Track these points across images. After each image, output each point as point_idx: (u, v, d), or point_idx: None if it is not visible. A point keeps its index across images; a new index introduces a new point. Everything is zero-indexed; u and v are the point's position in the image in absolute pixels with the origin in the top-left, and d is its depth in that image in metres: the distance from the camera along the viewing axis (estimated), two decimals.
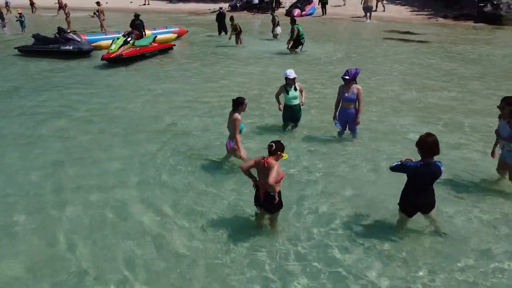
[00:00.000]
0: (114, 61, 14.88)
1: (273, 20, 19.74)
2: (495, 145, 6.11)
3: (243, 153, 6.51)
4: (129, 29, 17.13)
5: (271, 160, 4.76)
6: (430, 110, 9.80)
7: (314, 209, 5.83)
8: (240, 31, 18.11)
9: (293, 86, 8.06)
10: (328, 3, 30.22)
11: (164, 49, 17.41)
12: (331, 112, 8.04)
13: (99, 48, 17.55)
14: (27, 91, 11.99)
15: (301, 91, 8.22)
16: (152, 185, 6.57)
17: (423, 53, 16.53)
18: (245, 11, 34.56)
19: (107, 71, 14.34)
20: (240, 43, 18.26)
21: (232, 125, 6.50)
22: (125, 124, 9.18)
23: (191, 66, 14.98)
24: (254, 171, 4.99)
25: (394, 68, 13.95)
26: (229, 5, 36.62)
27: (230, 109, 6.60)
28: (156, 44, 17.08)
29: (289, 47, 16.23)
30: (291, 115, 8.39)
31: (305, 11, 31.49)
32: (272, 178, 4.58)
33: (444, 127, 8.70)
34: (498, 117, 5.95)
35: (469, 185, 6.30)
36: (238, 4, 36.08)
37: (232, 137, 6.59)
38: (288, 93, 8.12)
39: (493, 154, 6.18)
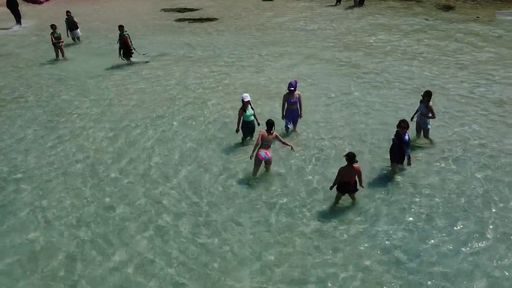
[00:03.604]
0: None
1: (68, 20, 18.07)
2: (415, 114, 9.73)
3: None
4: None
5: (356, 166, 7.50)
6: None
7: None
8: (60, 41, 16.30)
9: (249, 107, 9.90)
10: None
11: None
12: None
13: None
14: None
15: (255, 116, 10.12)
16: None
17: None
18: None
19: None
20: (62, 55, 16.57)
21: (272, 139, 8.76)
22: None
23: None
24: None
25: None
26: None
27: None
28: None
29: (122, 57, 15.93)
30: (250, 128, 10.19)
31: None
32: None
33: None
34: (420, 102, 9.48)
35: None
36: None
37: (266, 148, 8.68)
38: (246, 112, 9.92)
39: (412, 119, 9.63)
